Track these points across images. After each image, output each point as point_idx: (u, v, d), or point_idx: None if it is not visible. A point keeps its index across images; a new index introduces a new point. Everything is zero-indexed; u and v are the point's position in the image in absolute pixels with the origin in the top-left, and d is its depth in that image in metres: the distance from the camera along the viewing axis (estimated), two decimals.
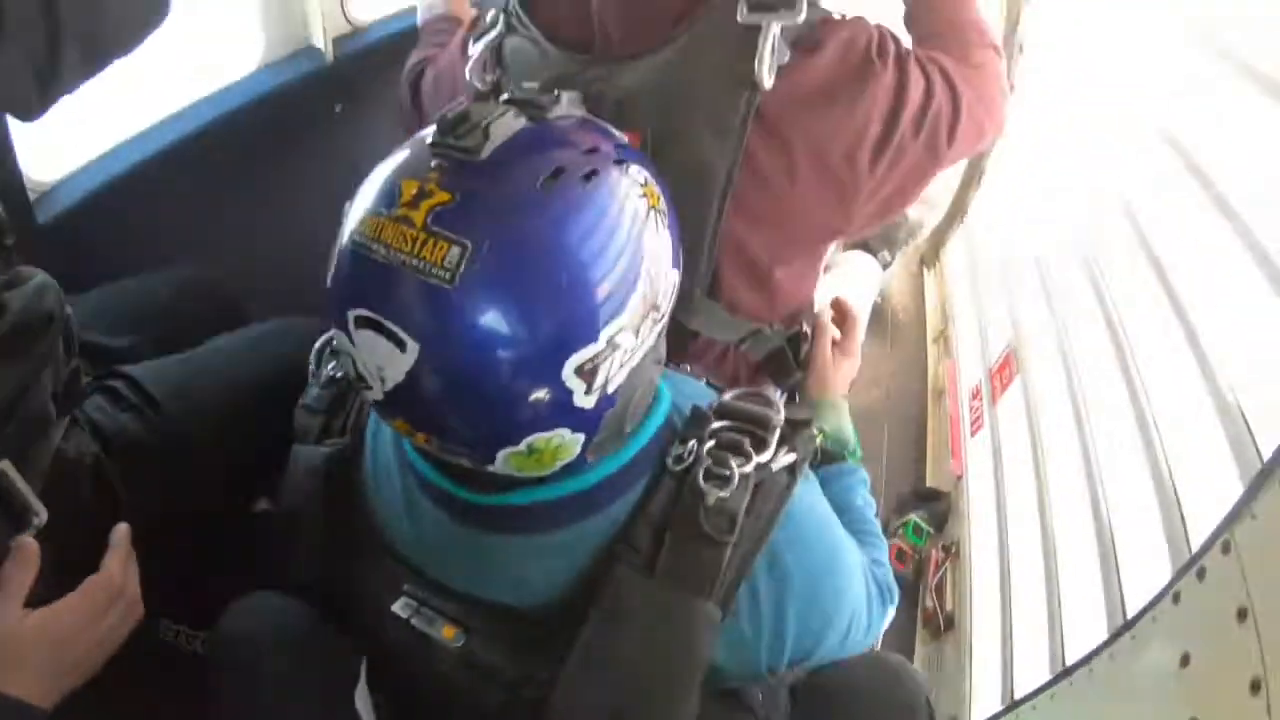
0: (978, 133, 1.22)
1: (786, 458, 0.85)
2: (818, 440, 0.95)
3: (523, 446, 0.72)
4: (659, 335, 0.78)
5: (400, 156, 0.72)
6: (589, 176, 0.69)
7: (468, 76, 1.19)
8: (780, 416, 0.87)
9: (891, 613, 1.08)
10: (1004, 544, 1.95)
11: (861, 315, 2.43)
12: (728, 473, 0.80)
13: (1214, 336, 1.29)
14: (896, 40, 1.13)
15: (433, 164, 0.67)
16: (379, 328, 0.66)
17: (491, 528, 0.85)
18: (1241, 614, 0.83)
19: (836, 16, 1.11)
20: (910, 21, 1.32)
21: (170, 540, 1.08)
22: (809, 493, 0.91)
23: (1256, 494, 0.88)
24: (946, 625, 2.07)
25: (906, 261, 3.30)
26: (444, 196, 0.64)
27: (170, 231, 1.69)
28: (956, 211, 3.29)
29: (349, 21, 2.16)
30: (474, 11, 1.99)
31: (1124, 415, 1.51)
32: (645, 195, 0.73)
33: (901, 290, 3.24)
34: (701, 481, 0.80)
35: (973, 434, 2.40)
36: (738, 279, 1.21)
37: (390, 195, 0.66)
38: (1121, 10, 1.93)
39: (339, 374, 1.04)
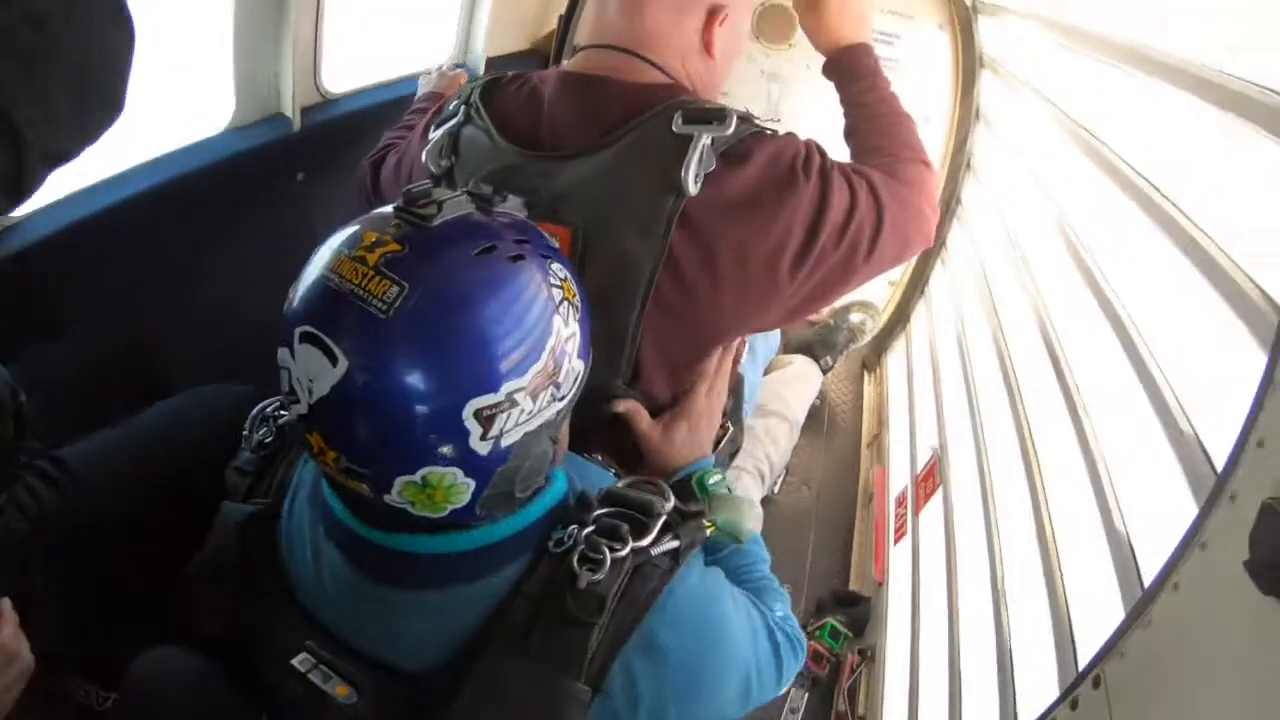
0: (901, 245, 1.30)
1: (670, 544, 0.90)
2: (708, 531, 0.98)
3: (418, 477, 0.78)
4: (559, 415, 0.85)
5: (369, 215, 0.83)
6: (515, 258, 0.80)
7: (423, 159, 1.26)
8: (668, 505, 0.93)
9: (802, 660, 1.12)
10: (915, 652, 1.97)
11: (800, 416, 2.52)
12: (600, 557, 0.85)
13: (1113, 465, 1.37)
14: (823, 154, 1.22)
15: (393, 223, 0.79)
16: (319, 342, 0.75)
17: (385, 578, 0.89)
18: None
19: (769, 131, 1.21)
20: (848, 135, 1.43)
21: (87, 606, 1.11)
22: (696, 576, 0.95)
23: (1125, 633, 0.92)
24: None
25: (849, 364, 3.40)
26: (395, 247, 0.76)
27: (122, 282, 1.70)
28: (899, 319, 3.43)
29: (319, 92, 2.23)
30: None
31: (1028, 534, 1.57)
32: (561, 287, 0.83)
33: (840, 392, 3.32)
34: (575, 564, 0.85)
35: (896, 541, 2.45)
36: (656, 370, 1.27)
37: (354, 240, 0.78)
38: (1058, 142, 2.08)
39: (270, 439, 1.09)
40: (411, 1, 3.83)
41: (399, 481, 0.78)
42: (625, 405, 1.28)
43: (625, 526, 0.88)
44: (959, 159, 3.25)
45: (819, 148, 1.23)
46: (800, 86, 3.30)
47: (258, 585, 0.97)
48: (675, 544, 0.90)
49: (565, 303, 0.83)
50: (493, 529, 0.87)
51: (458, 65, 2.94)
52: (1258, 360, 0.82)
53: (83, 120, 0.89)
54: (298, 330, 0.76)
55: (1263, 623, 0.64)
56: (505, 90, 1.28)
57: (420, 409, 0.74)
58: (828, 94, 3.19)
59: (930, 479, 2.36)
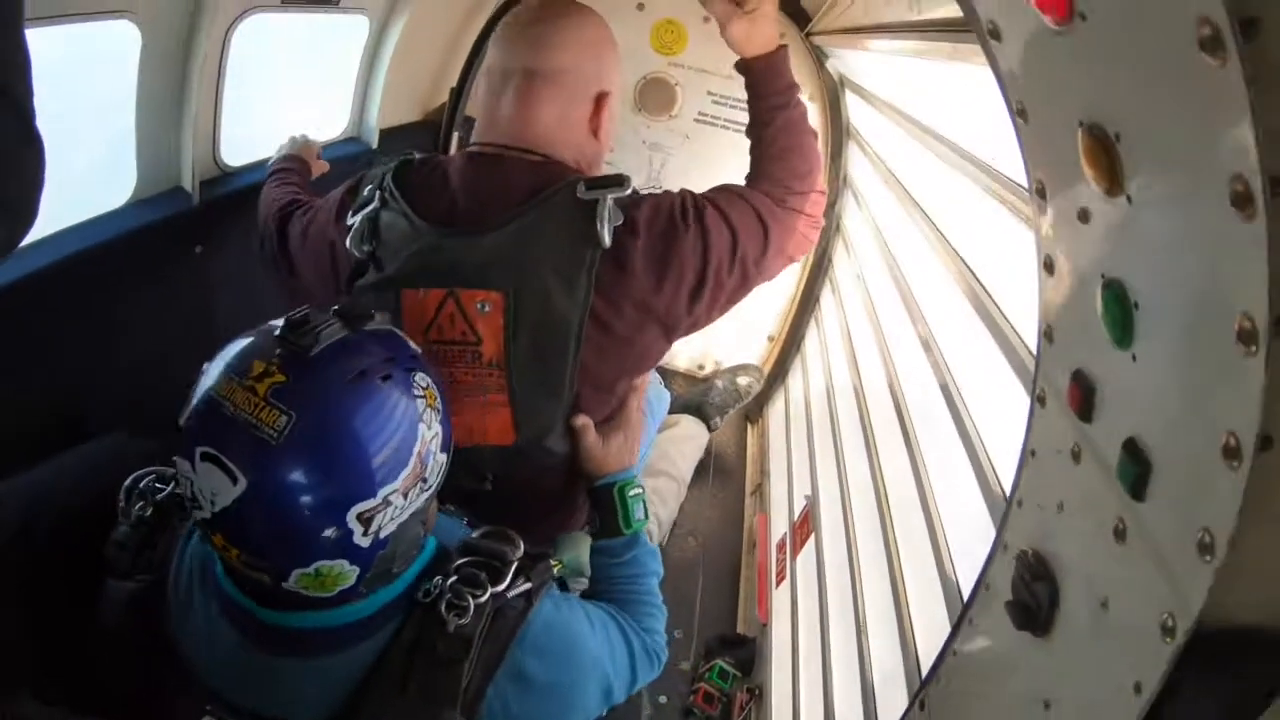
0: (785, 260, 1.51)
1: (523, 586, 1.04)
2: (555, 570, 1.15)
3: (311, 569, 0.90)
4: (427, 501, 0.99)
5: (254, 338, 0.94)
6: (384, 378, 0.93)
7: (347, 245, 1.36)
8: (518, 551, 1.07)
9: (658, 670, 1.31)
10: (796, 686, 2.13)
11: (687, 475, 2.68)
12: (465, 603, 0.98)
13: (944, 514, 1.57)
14: (698, 202, 1.38)
15: (278, 351, 0.90)
16: (219, 462, 0.86)
17: (279, 650, 1.00)
18: None
19: (646, 191, 1.38)
20: (751, 147, 1.57)
21: None
22: (550, 607, 1.09)
23: (940, 663, 1.08)
24: None
25: (733, 416, 3.61)
26: (281, 378, 0.88)
27: (29, 353, 1.70)
28: (778, 373, 3.68)
29: (218, 165, 2.27)
30: (318, 158, 2.19)
31: (882, 572, 1.77)
32: (424, 396, 0.97)
33: (726, 445, 3.50)
34: (443, 611, 0.98)
35: (777, 584, 2.62)
36: (592, 399, 1.41)
37: (243, 368, 0.89)
38: (901, 216, 2.35)
39: (148, 513, 1.12)
40: (307, 75, 3.87)
41: (295, 573, 0.90)
42: (580, 420, 1.40)
43: (483, 574, 1.01)
44: (829, 225, 3.56)
45: (693, 196, 1.40)
46: (680, 154, 3.55)
47: (151, 658, 1.04)
48: (528, 585, 1.04)
49: (428, 409, 0.96)
50: (374, 599, 0.99)
51: (350, 138, 3.03)
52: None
53: (7, 240, 0.95)
54: (198, 449, 0.87)
55: (1015, 652, 0.82)
56: (416, 174, 1.39)
57: (310, 517, 0.87)
58: (705, 159, 3.44)
59: (805, 525, 2.55)
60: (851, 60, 2.81)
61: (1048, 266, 0.72)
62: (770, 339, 3.74)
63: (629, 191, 1.30)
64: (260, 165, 2.48)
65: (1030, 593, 0.77)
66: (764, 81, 1.53)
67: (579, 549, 1.34)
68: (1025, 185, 0.78)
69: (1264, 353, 0.41)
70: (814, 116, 3.47)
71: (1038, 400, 0.79)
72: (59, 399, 1.69)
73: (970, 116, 1.62)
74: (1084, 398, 0.65)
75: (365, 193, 1.40)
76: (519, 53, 1.40)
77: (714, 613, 2.77)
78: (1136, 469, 0.56)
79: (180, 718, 1.01)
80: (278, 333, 0.91)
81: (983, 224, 1.57)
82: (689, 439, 2.79)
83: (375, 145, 3.03)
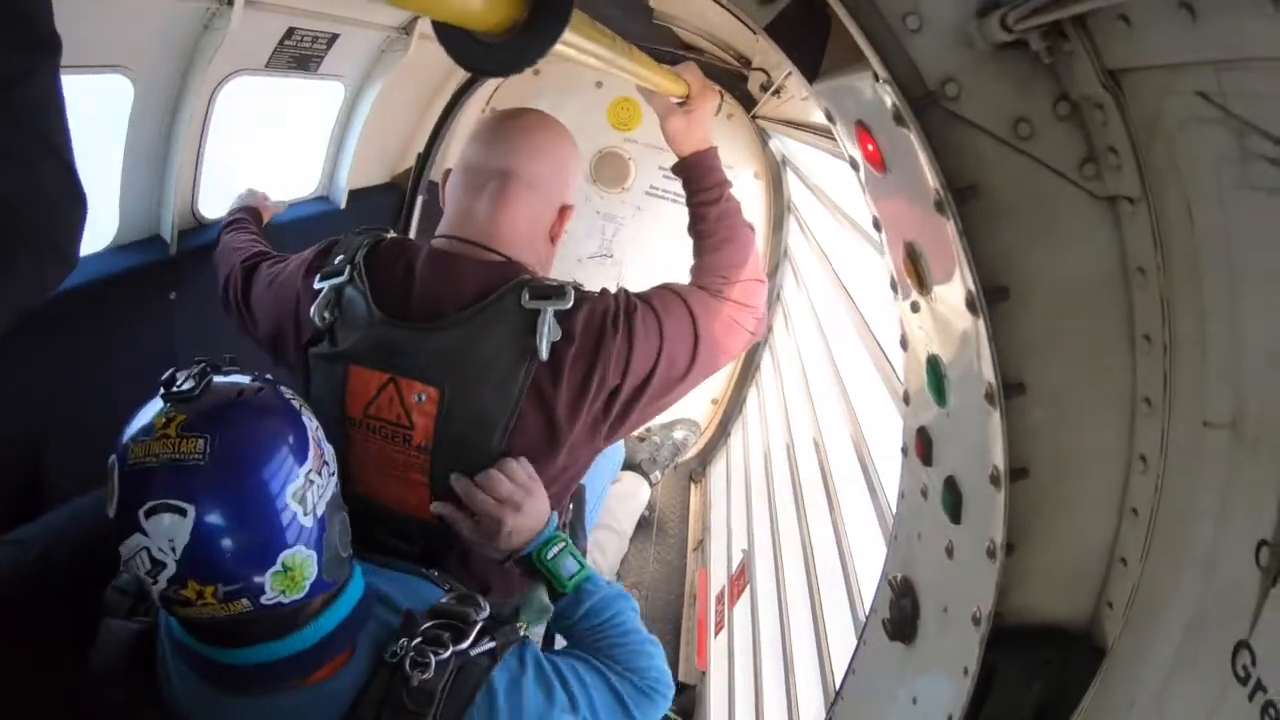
0: (721, 353, 1.54)
1: (487, 645, 1.11)
2: (521, 630, 1.21)
3: (279, 564, 0.99)
4: (335, 485, 1.09)
5: (137, 416, 1.02)
6: (258, 391, 1.06)
7: (311, 312, 1.45)
8: (483, 614, 1.14)
9: (665, 703, 1.34)
10: None
11: (628, 528, 2.80)
12: (428, 660, 1.05)
13: (863, 574, 1.74)
14: (630, 306, 1.44)
15: (168, 404, 1.00)
16: (165, 508, 0.94)
17: (234, 690, 1.08)
18: None
19: (588, 293, 1.44)
20: (692, 239, 1.67)
21: None
22: (514, 664, 1.15)
23: (844, 683, 1.24)
24: None
25: (678, 475, 3.76)
26: (183, 416, 0.98)
27: (4, 390, 1.75)
28: (721, 434, 3.86)
29: (196, 218, 2.38)
30: (271, 206, 2.31)
31: (807, 618, 1.92)
32: (293, 399, 1.08)
33: (669, 502, 3.65)
34: (408, 668, 1.05)
35: (716, 634, 2.75)
36: None
37: (148, 428, 0.98)
38: (828, 291, 2.56)
39: None
40: (279, 137, 4.00)
41: (269, 578, 0.98)
42: (459, 483, 1.38)
43: (447, 634, 1.09)
44: (770, 294, 3.79)
45: (626, 297, 1.45)
46: (631, 224, 3.78)
47: (144, 697, 1.11)
48: (492, 644, 1.11)
49: (301, 407, 1.08)
50: (318, 624, 1.05)
51: (320, 196, 3.17)
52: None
53: (42, 280, 1.04)
54: (141, 511, 0.95)
55: (891, 661, 0.98)
56: (384, 257, 1.47)
57: (259, 509, 0.97)
58: (654, 230, 3.60)
59: (741, 577, 2.70)
60: (790, 144, 3.08)
61: (903, 343, 0.91)
62: (714, 401, 3.93)
63: (569, 302, 1.36)
64: None
65: (899, 609, 0.94)
66: (697, 177, 1.65)
67: (539, 602, 1.38)
68: None
69: (998, 409, 0.59)
70: (759, 191, 3.77)
71: (903, 451, 0.98)
72: (27, 437, 1.74)
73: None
74: (924, 447, 0.83)
75: (336, 262, 1.47)
76: (499, 154, 1.48)
77: None
78: (953, 499, 0.74)
79: None
80: (160, 396, 1.02)
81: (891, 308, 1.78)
82: (630, 495, 2.92)
83: (343, 205, 3.17)
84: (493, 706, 1.10)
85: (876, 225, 0.88)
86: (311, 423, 1.08)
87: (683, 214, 1.71)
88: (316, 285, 1.47)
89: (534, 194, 1.48)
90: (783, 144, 3.37)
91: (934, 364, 0.76)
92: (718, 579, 2.99)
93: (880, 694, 1.08)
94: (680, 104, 1.65)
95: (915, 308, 0.81)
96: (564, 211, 1.53)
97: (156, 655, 1.13)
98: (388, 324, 1.39)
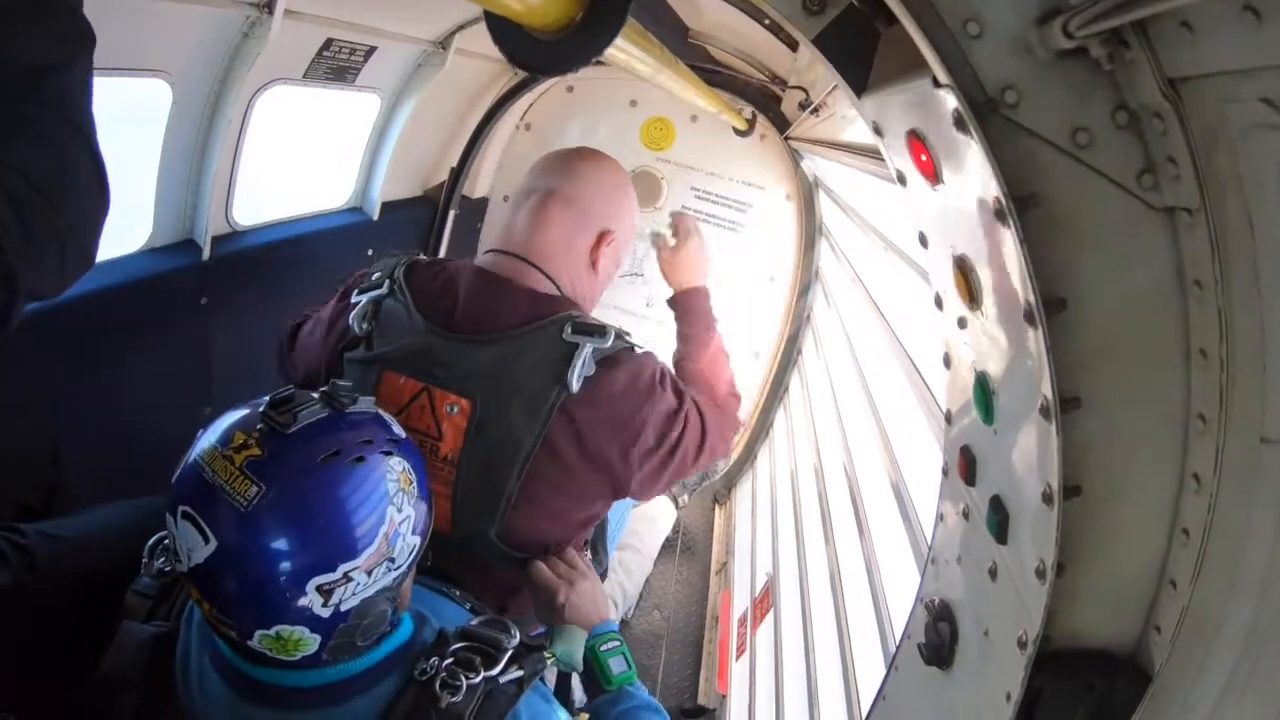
0: (710, 456, 1.61)
1: (515, 673, 1.09)
2: (549, 662, 1.19)
3: (272, 632, 0.96)
4: (395, 581, 1.03)
5: (244, 410, 1.00)
6: (358, 460, 0.98)
7: (350, 320, 1.48)
8: (514, 640, 1.11)
9: None
10: None
11: (653, 549, 2.79)
12: (459, 683, 1.03)
13: (892, 595, 1.71)
14: (673, 378, 1.52)
15: (259, 425, 0.97)
16: (195, 522, 0.93)
17: (256, 701, 1.06)
18: None
19: (636, 348, 1.49)
20: (677, 361, 1.75)
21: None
22: (540, 703, 1.14)
23: (873, 709, 1.21)
24: None
25: (702, 498, 3.73)
26: (257, 451, 0.94)
27: (31, 389, 1.78)
28: (747, 457, 3.83)
29: (229, 224, 2.42)
30: None
31: (832, 639, 1.89)
32: (399, 479, 1.02)
33: (693, 524, 3.62)
34: (438, 689, 1.03)
35: (737, 657, 2.71)
36: (524, 523, 1.46)
37: (226, 438, 0.96)
38: (862, 310, 2.55)
39: (169, 568, 1.23)
40: (315, 149, 4.06)
41: (257, 634, 0.96)
42: (534, 565, 1.46)
43: (478, 659, 1.06)
44: (800, 316, 3.79)
45: (670, 371, 1.54)
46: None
47: (158, 701, 1.12)
48: (520, 673, 1.09)
49: (401, 493, 1.01)
50: (343, 668, 1.03)
51: (353, 208, 3.22)
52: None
53: (62, 272, 1.06)
54: (179, 508, 0.94)
55: (926, 686, 0.95)
56: (424, 273, 1.51)
57: (271, 583, 0.93)
58: None
59: (765, 600, 2.67)
60: (823, 165, 3.08)
61: (946, 361, 0.89)
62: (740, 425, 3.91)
63: (609, 343, 1.40)
64: (269, 227, 2.66)
65: (936, 633, 0.91)
66: (682, 316, 1.79)
67: (573, 643, 1.38)
68: None
69: (1054, 424, 0.57)
70: (790, 212, 3.77)
71: (943, 472, 0.95)
72: (55, 437, 1.77)
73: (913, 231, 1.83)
74: (968, 467, 0.81)
75: (375, 278, 1.52)
76: (546, 177, 1.57)
77: (676, 684, 2.84)
78: (999, 518, 0.72)
79: None
80: (262, 408, 0.98)
81: (926, 325, 1.76)
82: (656, 517, 2.91)
83: (376, 217, 3.21)
84: None
85: (923, 241, 0.87)
86: (401, 514, 1.01)
87: (715, 234, 1.79)
88: (354, 299, 1.50)
89: (570, 210, 1.53)
90: (815, 165, 3.37)
91: (982, 381, 0.74)
92: (741, 602, 2.96)
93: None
94: (669, 243, 1.83)
95: (962, 323, 0.79)
96: (604, 237, 1.57)
97: (175, 660, 1.13)
98: (429, 333, 1.42)
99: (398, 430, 1.08)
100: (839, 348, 2.85)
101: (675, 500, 3.18)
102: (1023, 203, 0.57)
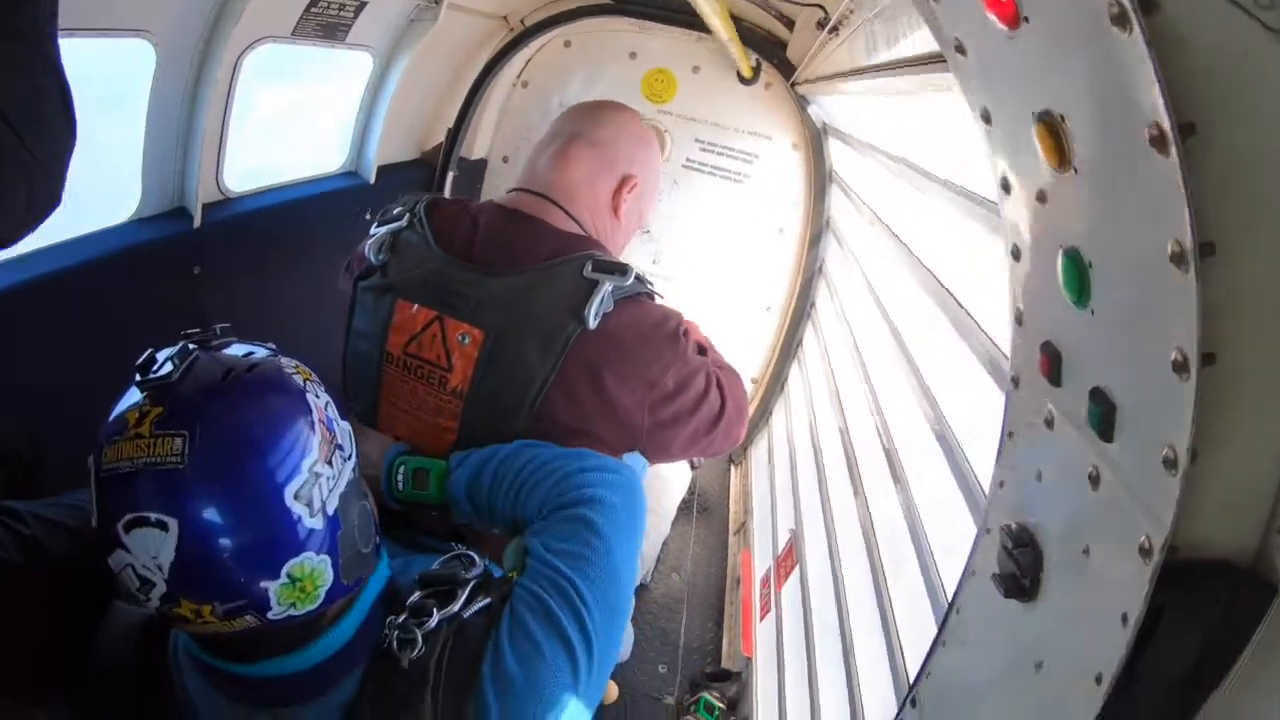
0: (723, 438, 1.53)
1: (482, 602, 1.00)
2: (514, 579, 1.08)
3: (284, 577, 0.87)
4: (354, 472, 0.97)
5: (119, 405, 0.90)
6: (252, 368, 0.91)
7: (365, 250, 1.44)
8: (475, 572, 1.04)
9: (627, 487, 1.26)
10: (783, 717, 2.13)
11: (670, 511, 2.71)
12: (413, 636, 0.94)
13: (927, 520, 1.62)
14: (698, 340, 1.47)
15: (143, 395, 0.87)
16: (144, 521, 0.82)
17: (248, 701, 0.98)
18: None
19: (658, 296, 1.45)
20: None
21: None
22: (524, 614, 1.02)
23: (930, 657, 1.12)
24: None
25: (718, 458, 3.65)
26: (158, 409, 0.85)
27: (19, 362, 1.72)
28: (761, 414, 3.74)
29: (221, 190, 2.34)
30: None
31: (868, 590, 1.80)
32: (298, 372, 0.95)
33: (710, 484, 3.55)
34: (395, 650, 0.94)
35: (762, 618, 2.64)
36: None
37: (121, 426, 0.85)
38: (885, 252, 2.44)
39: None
40: (308, 113, 3.97)
41: (272, 590, 0.87)
42: None
43: (431, 602, 0.98)
44: (811, 266, 3.68)
45: (696, 328, 1.51)
46: (667, 199, 3.68)
47: (150, 684, 1.03)
48: (487, 601, 1.01)
49: (308, 382, 0.95)
50: (336, 633, 0.96)
51: (348, 171, 3.11)
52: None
53: (30, 212, 0.99)
54: (119, 526, 0.83)
55: (1003, 622, 0.85)
56: (445, 210, 1.49)
57: (254, 516, 0.84)
58: (690, 204, 3.58)
59: (789, 558, 2.58)
60: (831, 106, 2.96)
61: (1014, 254, 0.78)
62: (754, 381, 3.81)
63: (629, 281, 1.37)
64: (261, 193, 2.56)
65: (1015, 561, 0.81)
66: None
67: (515, 545, 1.28)
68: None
69: (1193, 271, 0.47)
70: (797, 162, 3.66)
71: (1012, 383, 0.85)
72: (40, 413, 1.69)
73: (944, 144, 1.72)
74: (1052, 364, 0.71)
75: (395, 212, 1.50)
76: (570, 123, 1.58)
77: (697, 647, 2.77)
78: (1102, 411, 0.61)
79: None
80: (134, 383, 0.89)
81: (964, 249, 1.65)
82: (671, 478, 2.83)
83: (372, 180, 3.12)
84: (496, 675, 0.98)
85: (986, 117, 0.76)
86: (320, 399, 0.94)
87: (720, 186, 1.78)
88: (372, 231, 1.47)
89: (593, 152, 1.53)
90: (823, 109, 3.25)
91: (1072, 256, 0.63)
92: (762, 561, 2.88)
93: (983, 664, 0.95)
94: None
95: (1042, 197, 0.68)
96: (627, 181, 1.55)
97: (169, 643, 1.04)
98: (446, 263, 1.39)
99: (267, 345, 1.01)
100: (858, 294, 2.74)
101: (691, 461, 3.09)
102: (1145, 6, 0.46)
